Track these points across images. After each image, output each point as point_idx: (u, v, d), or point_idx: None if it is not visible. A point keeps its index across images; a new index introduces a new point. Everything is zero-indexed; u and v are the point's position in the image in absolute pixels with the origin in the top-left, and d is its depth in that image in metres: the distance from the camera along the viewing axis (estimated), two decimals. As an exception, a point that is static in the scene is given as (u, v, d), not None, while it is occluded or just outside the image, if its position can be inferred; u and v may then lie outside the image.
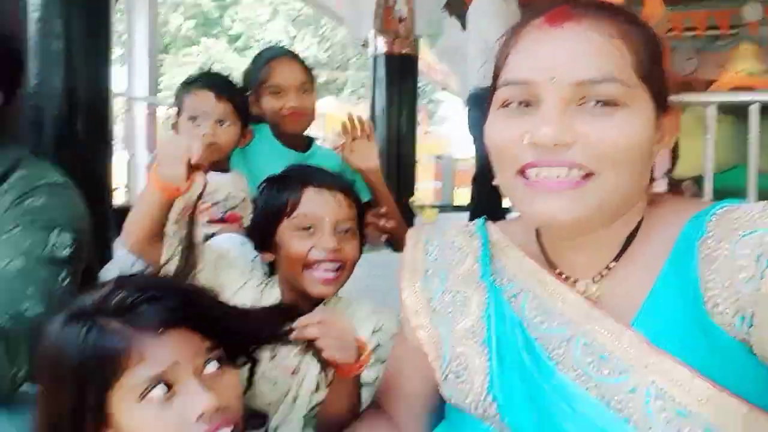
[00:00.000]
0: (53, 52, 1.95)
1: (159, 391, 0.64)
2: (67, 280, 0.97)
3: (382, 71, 5.04)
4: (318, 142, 1.86)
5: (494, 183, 0.72)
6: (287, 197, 1.07)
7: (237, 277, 1.13)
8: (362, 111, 5.27)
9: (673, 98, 0.68)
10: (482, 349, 0.72)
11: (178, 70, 18.29)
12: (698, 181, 2.99)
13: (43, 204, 0.98)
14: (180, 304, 0.67)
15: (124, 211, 1.22)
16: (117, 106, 4.59)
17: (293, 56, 1.72)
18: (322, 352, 0.83)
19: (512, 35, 0.68)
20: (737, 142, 2.81)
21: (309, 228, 1.05)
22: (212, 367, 0.68)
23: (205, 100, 1.49)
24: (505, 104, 0.66)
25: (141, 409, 0.64)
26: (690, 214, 0.67)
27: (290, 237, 1.06)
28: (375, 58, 5.07)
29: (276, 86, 1.64)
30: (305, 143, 1.77)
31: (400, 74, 5.07)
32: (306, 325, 0.83)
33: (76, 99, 1.99)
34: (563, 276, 0.72)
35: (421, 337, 0.79)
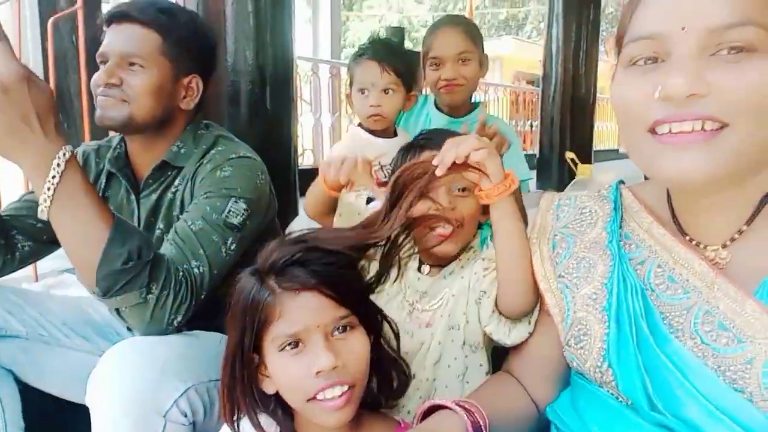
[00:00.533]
0: (246, 30, 2.19)
1: (292, 347, 0.76)
2: (234, 245, 1.12)
3: (559, 5, 4.75)
4: (489, 98, 1.87)
5: (621, 149, 0.70)
6: (408, 161, 1.09)
7: None
8: (541, 49, 5.03)
9: None
10: (602, 316, 0.72)
11: (361, 24, 18.99)
12: None
13: (228, 175, 1.16)
14: (323, 269, 0.76)
15: (309, 173, 1.36)
16: (305, 69, 4.92)
17: (457, 24, 1.73)
18: (471, 157, 0.83)
19: None
20: None
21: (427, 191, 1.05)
22: (339, 331, 0.77)
23: (371, 71, 1.58)
24: (633, 62, 0.64)
25: (279, 358, 0.77)
26: None
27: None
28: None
29: (434, 57, 1.69)
30: (468, 108, 1.78)
31: (580, 6, 4.73)
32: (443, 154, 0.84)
33: (265, 72, 2.23)
34: (693, 242, 0.70)
35: (548, 301, 0.81)
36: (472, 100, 1.85)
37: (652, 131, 0.62)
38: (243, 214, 1.14)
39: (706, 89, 0.58)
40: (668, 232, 0.72)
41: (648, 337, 0.67)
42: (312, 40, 6.23)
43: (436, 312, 1.08)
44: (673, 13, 0.60)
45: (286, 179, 2.04)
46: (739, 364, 0.61)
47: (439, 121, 1.74)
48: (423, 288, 1.10)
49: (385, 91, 1.59)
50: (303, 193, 1.32)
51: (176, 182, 1.22)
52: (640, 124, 0.63)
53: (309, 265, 0.76)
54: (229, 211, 1.12)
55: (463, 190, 1.09)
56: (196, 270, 1.05)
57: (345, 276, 0.79)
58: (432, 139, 1.13)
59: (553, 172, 4.80)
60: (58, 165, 0.89)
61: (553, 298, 0.81)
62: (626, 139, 0.68)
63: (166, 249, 1.06)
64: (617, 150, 8.80)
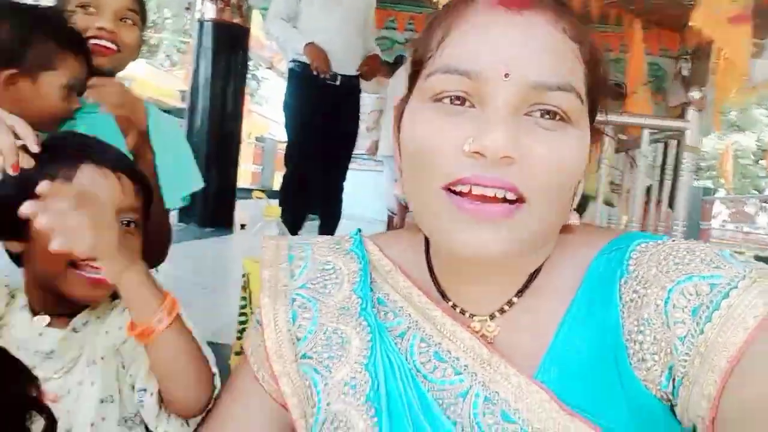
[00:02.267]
0: None
1: None
2: None
3: (208, 39, 4.64)
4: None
5: (396, 193, 0.59)
6: (57, 170, 0.80)
7: None
8: (177, 79, 4.78)
9: (605, 119, 0.60)
10: (367, 408, 0.57)
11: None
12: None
13: None
14: None
15: None
16: None
17: None
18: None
19: (448, 13, 0.55)
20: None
21: None
22: None
23: None
24: (438, 98, 0.53)
25: None
26: (597, 245, 0.61)
27: None
28: (201, 24, 4.64)
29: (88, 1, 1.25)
30: None
31: (229, 45, 4.71)
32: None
33: None
34: (457, 309, 0.62)
35: (282, 389, 0.63)
36: None
37: (449, 189, 0.51)
38: None
39: (520, 153, 0.49)
40: (428, 299, 0.61)
41: None
42: None
43: (68, 379, 0.81)
44: (496, 54, 0.50)
45: None
46: None
47: None
48: (45, 347, 0.80)
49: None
50: None
51: None
52: (438, 177, 0.51)
53: None
54: None
55: (128, 224, 0.84)
56: None
57: None
58: (95, 150, 0.84)
59: (197, 206, 4.52)
60: None
61: (291, 386, 0.62)
62: (416, 192, 0.55)
63: None
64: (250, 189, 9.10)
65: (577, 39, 0.53)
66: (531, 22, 0.51)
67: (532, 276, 0.60)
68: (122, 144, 1.18)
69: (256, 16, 5.09)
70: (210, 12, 4.63)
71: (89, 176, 0.81)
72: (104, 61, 1.25)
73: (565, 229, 0.60)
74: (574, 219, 0.59)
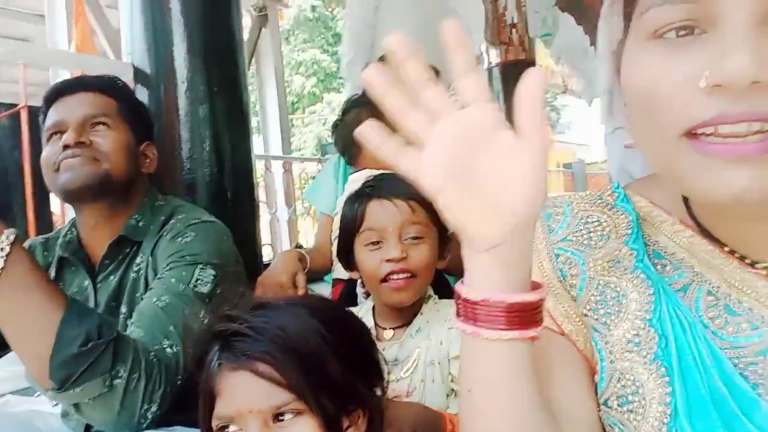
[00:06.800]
0: (201, 120, 2.11)
1: (228, 429, 0.66)
2: (206, 317, 0.98)
3: (498, 83, 4.92)
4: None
5: (626, 144, 0.58)
6: (356, 212, 1.10)
7: None
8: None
9: None
10: (656, 368, 0.53)
11: (305, 129, 19.46)
12: None
13: (191, 241, 1.07)
14: (263, 346, 0.65)
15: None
16: (258, 169, 4.90)
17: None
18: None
19: None
20: None
21: (378, 242, 1.06)
22: (280, 418, 0.66)
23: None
24: (659, 34, 0.46)
25: None
26: None
27: (362, 252, 1.09)
28: (490, 70, 4.96)
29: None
30: None
31: (517, 82, 4.89)
32: None
33: (222, 162, 2.14)
34: (736, 255, 0.54)
35: (579, 346, 0.60)
36: None
37: (690, 134, 0.44)
38: (212, 281, 1.03)
39: None
40: (711, 246, 0.54)
41: (726, 397, 0.49)
42: (263, 143, 6.25)
43: (414, 377, 1.00)
44: None
45: (251, 275, 1.90)
46: None
47: None
48: (391, 356, 1.01)
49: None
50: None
51: (138, 260, 1.10)
52: (674, 123, 0.45)
53: (250, 343, 0.66)
54: (197, 279, 1.01)
55: (415, 238, 1.05)
56: (168, 350, 0.92)
57: (298, 352, 0.66)
58: (378, 186, 1.09)
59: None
60: (2, 250, 0.78)
61: (585, 343, 0.59)
62: (649, 142, 0.50)
63: (132, 332, 0.93)
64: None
65: None
66: None
67: None
68: None
69: (539, 46, 5.21)
70: (495, 57, 4.92)
71: (374, 208, 1.07)
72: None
73: None
74: None
